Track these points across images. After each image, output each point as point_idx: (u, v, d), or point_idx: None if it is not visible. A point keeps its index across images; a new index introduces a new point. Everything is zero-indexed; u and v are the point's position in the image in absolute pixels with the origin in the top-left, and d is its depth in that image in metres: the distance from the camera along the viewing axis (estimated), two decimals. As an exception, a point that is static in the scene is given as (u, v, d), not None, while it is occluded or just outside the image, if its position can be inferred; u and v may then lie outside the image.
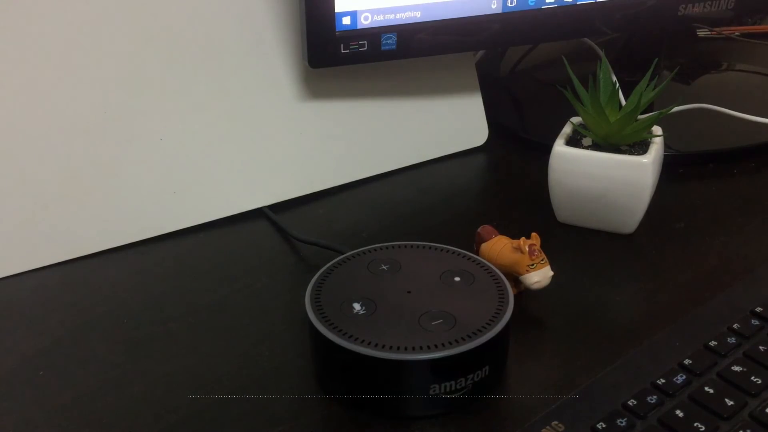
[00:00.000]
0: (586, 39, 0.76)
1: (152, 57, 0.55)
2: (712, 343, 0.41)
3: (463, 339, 0.38)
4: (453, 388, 0.38)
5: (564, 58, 0.56)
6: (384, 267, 0.44)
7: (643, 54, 0.74)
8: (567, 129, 0.56)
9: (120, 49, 0.54)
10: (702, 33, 0.91)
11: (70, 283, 0.52)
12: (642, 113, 0.52)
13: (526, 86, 0.82)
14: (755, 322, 0.43)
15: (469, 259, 0.45)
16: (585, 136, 0.54)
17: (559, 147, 0.54)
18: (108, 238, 0.55)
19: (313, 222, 0.59)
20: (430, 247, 0.46)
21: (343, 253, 0.46)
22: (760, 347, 0.41)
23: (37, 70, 0.52)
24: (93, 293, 0.51)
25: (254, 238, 0.57)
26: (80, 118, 0.53)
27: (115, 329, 0.47)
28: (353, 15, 0.57)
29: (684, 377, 0.39)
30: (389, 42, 0.58)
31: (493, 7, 0.61)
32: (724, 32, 0.91)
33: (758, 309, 0.44)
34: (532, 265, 0.45)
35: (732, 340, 0.42)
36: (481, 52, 0.82)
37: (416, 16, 0.59)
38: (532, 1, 0.62)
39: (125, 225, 0.55)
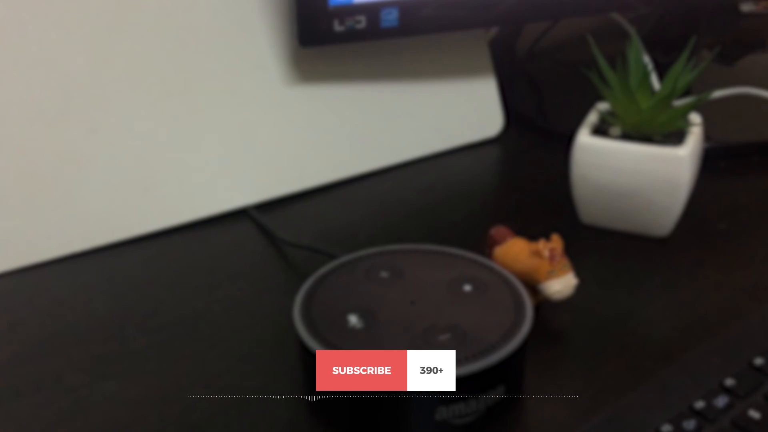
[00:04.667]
0: (614, 14, 0.76)
1: (120, 36, 0.55)
2: (758, 361, 0.41)
3: (474, 356, 0.38)
4: (463, 412, 0.38)
5: (589, 37, 0.56)
6: (384, 274, 0.44)
7: (679, 32, 0.74)
8: (592, 117, 0.56)
9: (83, 25, 0.54)
10: (746, 8, 0.91)
11: (28, 293, 0.52)
12: (678, 99, 0.52)
13: (546, 69, 0.82)
14: (807, 336, 0.43)
15: (480, 264, 0.45)
16: (613, 125, 0.54)
17: (584, 138, 0.54)
18: (70, 242, 0.55)
19: (304, 223, 0.59)
20: (436, 252, 0.46)
21: (337, 258, 0.46)
22: (813, 365, 0.41)
23: (-10, 51, 0.52)
24: (54, 304, 0.51)
25: (237, 242, 0.57)
26: (37, 106, 0.53)
27: (77, 345, 0.47)
28: (349, -13, 0.57)
29: (726, 400, 0.39)
30: (390, 18, 0.58)
31: (509, -22, 0.61)
32: (770, 7, 0.91)
33: (811, 322, 0.44)
34: (553, 271, 0.45)
35: (781, 357, 0.41)
36: (494, 30, 0.82)
37: (421, -11, 0.59)
38: (552, -28, 0.62)
39: (90, 227, 0.55)
